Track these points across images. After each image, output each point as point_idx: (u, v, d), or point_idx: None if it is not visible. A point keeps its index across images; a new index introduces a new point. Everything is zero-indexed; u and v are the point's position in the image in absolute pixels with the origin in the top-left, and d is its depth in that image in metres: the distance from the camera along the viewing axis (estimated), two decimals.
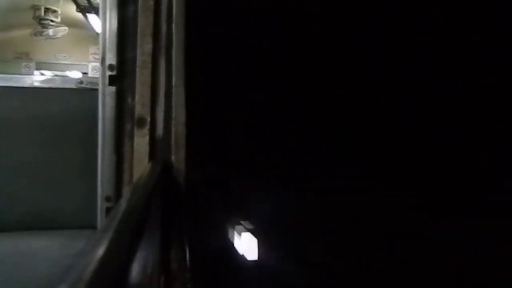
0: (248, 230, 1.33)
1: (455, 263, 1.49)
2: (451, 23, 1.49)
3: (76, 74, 5.40)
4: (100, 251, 0.43)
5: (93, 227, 1.66)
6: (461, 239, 1.51)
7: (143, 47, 1.42)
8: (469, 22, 1.49)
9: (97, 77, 1.63)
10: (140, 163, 1.38)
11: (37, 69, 5.58)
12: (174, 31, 1.41)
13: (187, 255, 1.33)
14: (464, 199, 1.55)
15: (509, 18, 1.50)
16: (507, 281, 1.50)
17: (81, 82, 2.04)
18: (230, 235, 1.41)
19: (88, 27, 4.98)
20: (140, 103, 1.40)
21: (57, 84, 2.10)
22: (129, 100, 1.45)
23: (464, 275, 1.49)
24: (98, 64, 1.61)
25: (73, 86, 2.04)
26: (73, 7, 4.70)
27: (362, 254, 1.47)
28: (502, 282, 1.49)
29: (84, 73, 5.41)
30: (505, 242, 1.51)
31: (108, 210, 1.45)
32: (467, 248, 1.51)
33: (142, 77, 1.41)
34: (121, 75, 1.46)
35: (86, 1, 4.30)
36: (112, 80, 1.45)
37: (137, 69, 1.41)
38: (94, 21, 4.57)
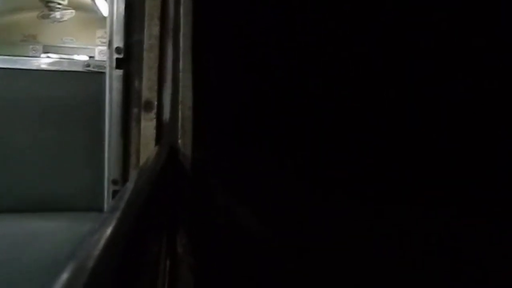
0: None
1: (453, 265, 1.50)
2: (453, 26, 1.47)
3: (83, 58, 5.39)
4: (108, 230, 0.43)
5: (100, 209, 1.68)
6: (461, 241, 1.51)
7: (151, 30, 1.41)
8: (471, 25, 1.48)
9: (104, 60, 1.63)
10: (147, 147, 1.38)
11: (44, 52, 5.58)
12: (181, 14, 1.40)
13: (193, 239, 1.34)
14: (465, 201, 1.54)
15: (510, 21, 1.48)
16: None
17: (88, 65, 2.04)
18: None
19: (95, 10, 4.96)
20: (147, 87, 1.40)
21: (64, 66, 2.10)
22: (136, 83, 1.45)
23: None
24: (105, 48, 1.61)
25: (80, 69, 2.05)
26: None
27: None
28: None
29: (91, 57, 5.40)
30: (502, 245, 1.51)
31: (114, 193, 1.46)
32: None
33: (149, 60, 1.40)
34: (128, 58, 1.45)
35: None
36: (119, 63, 1.45)
37: (144, 53, 1.41)
38: (101, 4, 4.55)
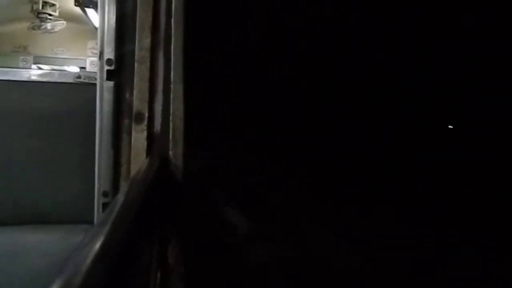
0: None
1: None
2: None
3: (74, 69, 5.38)
4: (97, 244, 0.43)
5: (90, 222, 1.66)
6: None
7: (142, 42, 1.41)
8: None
9: (95, 72, 1.63)
10: (138, 158, 1.38)
11: (34, 63, 5.55)
12: (173, 26, 1.41)
13: (184, 250, 1.33)
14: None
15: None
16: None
17: (79, 77, 2.03)
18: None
19: (86, 22, 4.95)
20: (138, 98, 1.40)
21: (55, 78, 2.09)
22: (127, 95, 1.45)
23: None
24: (96, 59, 1.60)
25: (71, 80, 2.04)
26: (71, 1, 4.67)
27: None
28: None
29: (82, 68, 5.38)
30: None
31: (105, 205, 1.44)
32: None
33: (140, 72, 1.41)
34: (119, 70, 1.45)
35: None
36: (110, 75, 1.45)
37: (136, 64, 1.41)
38: (93, 15, 4.55)
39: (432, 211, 1.54)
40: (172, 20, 1.41)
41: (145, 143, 1.38)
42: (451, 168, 1.55)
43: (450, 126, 1.53)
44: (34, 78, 2.08)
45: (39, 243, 1.89)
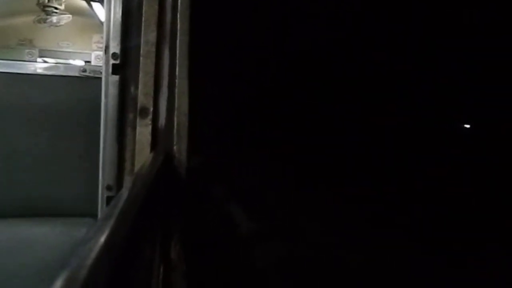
0: None
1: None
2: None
3: (79, 63, 5.38)
4: (102, 239, 0.43)
5: (93, 215, 1.67)
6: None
7: (147, 37, 1.41)
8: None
9: (100, 66, 1.63)
10: (142, 153, 1.38)
11: (40, 56, 5.56)
12: (178, 21, 1.41)
13: (187, 246, 1.34)
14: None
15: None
16: None
17: (84, 70, 2.03)
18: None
19: (92, 15, 4.95)
20: (143, 93, 1.40)
21: (60, 71, 2.09)
22: (132, 89, 1.45)
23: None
24: (101, 53, 1.60)
25: (76, 74, 2.04)
26: None
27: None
28: None
29: (87, 62, 5.39)
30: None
31: (108, 199, 1.45)
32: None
33: (145, 66, 1.41)
34: (124, 64, 1.45)
35: None
36: (116, 69, 1.45)
37: (141, 59, 1.41)
38: (98, 9, 4.55)
39: (431, 211, 1.54)
40: (178, 15, 1.40)
41: (150, 137, 1.39)
42: (451, 168, 1.55)
43: (466, 125, 1.53)
44: (39, 71, 2.08)
45: (43, 236, 1.90)
